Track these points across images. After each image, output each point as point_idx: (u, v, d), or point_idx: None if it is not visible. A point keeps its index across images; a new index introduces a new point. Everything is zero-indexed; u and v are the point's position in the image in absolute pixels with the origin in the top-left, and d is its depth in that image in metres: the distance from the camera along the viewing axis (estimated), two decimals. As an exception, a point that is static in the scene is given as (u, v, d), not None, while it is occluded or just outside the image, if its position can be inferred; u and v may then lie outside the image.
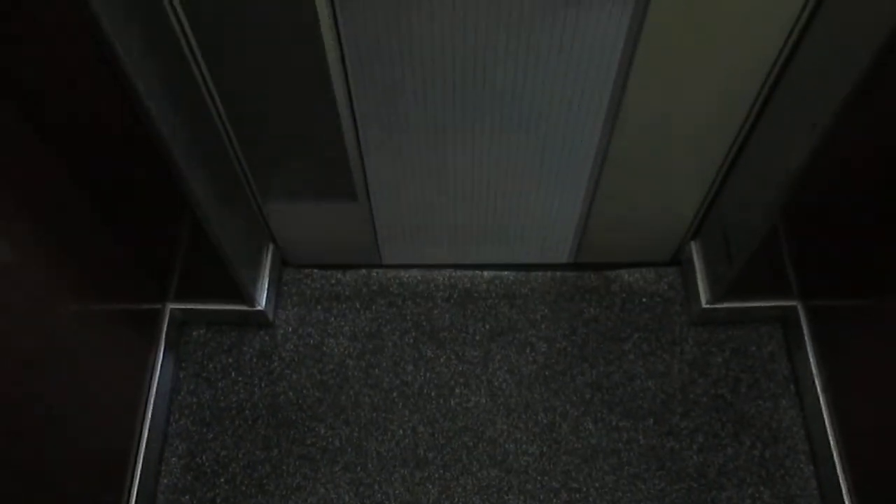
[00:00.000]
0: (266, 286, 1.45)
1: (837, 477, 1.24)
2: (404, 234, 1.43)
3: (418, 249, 1.48)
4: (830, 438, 1.27)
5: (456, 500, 1.30)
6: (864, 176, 1.09)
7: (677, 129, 1.16)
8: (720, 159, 1.25)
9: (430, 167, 1.26)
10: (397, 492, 1.31)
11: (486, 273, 1.52)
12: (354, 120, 1.15)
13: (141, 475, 1.26)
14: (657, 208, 1.37)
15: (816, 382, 1.32)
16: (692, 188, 1.33)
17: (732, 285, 1.36)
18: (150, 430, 1.31)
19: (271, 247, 1.49)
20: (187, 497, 1.31)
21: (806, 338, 1.36)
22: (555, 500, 1.30)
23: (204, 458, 1.34)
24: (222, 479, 1.32)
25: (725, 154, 1.24)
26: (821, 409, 1.30)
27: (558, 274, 1.52)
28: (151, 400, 1.33)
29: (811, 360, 1.34)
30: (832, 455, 1.26)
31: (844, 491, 1.23)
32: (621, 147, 1.19)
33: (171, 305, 1.42)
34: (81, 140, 1.02)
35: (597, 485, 1.31)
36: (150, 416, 1.32)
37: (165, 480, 1.32)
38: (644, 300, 1.48)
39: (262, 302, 1.43)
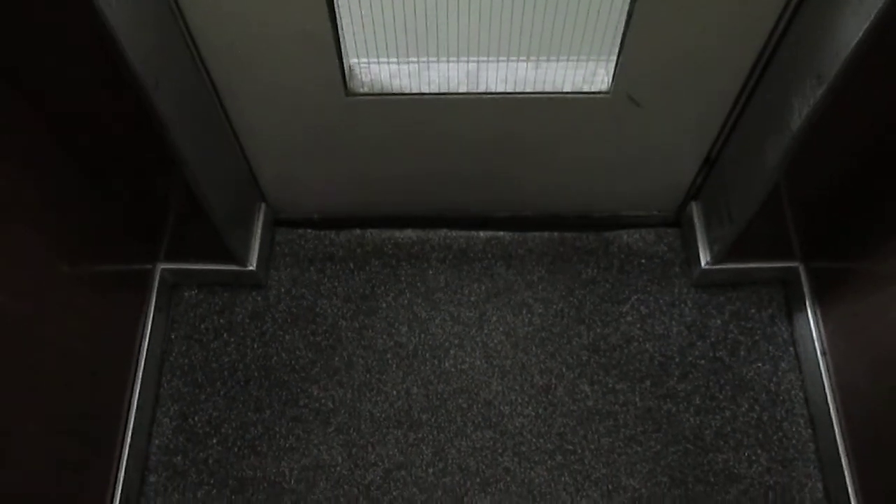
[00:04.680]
0: (258, 246, 1.42)
1: (836, 440, 1.23)
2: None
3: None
4: (829, 402, 1.25)
5: (450, 461, 1.29)
6: (870, 136, 1.05)
7: (682, 70, 1.12)
8: (724, 114, 1.22)
9: (424, 124, 1.22)
10: (391, 453, 1.30)
11: (482, 233, 1.49)
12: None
13: (132, 436, 1.26)
14: (659, 159, 1.33)
15: (816, 345, 1.30)
16: (694, 143, 1.29)
17: (733, 246, 1.33)
18: (141, 392, 1.29)
19: (263, 206, 1.46)
20: (179, 458, 1.30)
21: (807, 300, 1.34)
22: (549, 462, 1.29)
23: (196, 419, 1.33)
24: (214, 441, 1.31)
25: (729, 110, 1.20)
26: (820, 373, 1.28)
27: (556, 234, 1.49)
28: (142, 361, 1.31)
29: (811, 322, 1.32)
30: (831, 418, 1.24)
31: (842, 454, 1.21)
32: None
33: (162, 266, 1.40)
34: (67, 101, 0.99)
35: (592, 447, 1.30)
36: (141, 377, 1.30)
37: (157, 441, 1.31)
38: (643, 261, 1.46)
39: (253, 262, 1.41)
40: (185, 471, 1.29)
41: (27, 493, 1.01)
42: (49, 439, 1.06)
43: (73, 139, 1.06)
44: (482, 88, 1.19)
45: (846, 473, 1.20)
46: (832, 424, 1.24)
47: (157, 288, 1.38)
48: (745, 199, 1.24)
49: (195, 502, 1.27)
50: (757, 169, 1.18)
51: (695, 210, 1.42)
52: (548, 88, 1.18)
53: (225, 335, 1.40)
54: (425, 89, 1.19)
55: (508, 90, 1.19)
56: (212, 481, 1.28)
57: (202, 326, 1.41)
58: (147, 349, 1.33)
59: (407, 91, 1.19)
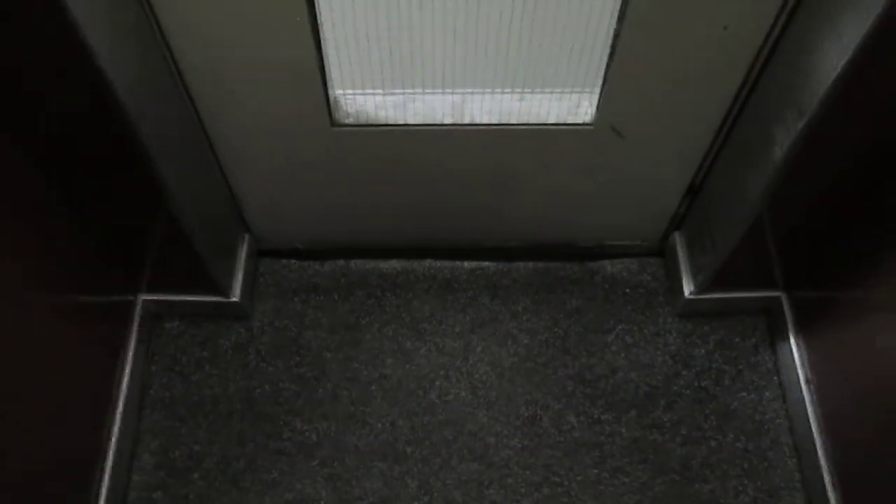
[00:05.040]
0: (241, 277, 1.41)
1: (820, 469, 1.23)
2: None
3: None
4: (814, 431, 1.26)
5: (435, 494, 1.27)
6: (851, 167, 1.07)
7: (665, 102, 1.13)
8: (706, 145, 1.23)
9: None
10: (375, 486, 1.28)
11: (466, 263, 1.49)
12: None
13: (112, 471, 1.23)
14: (643, 190, 1.34)
15: (800, 374, 1.31)
16: (677, 173, 1.30)
17: (716, 276, 1.34)
18: (121, 426, 1.27)
19: (247, 237, 1.45)
20: (160, 493, 1.27)
21: (790, 329, 1.35)
22: (536, 495, 1.28)
23: (177, 453, 1.31)
24: (196, 475, 1.29)
25: (712, 141, 1.22)
26: (804, 401, 1.28)
27: (540, 265, 1.49)
28: (122, 394, 1.29)
29: (795, 351, 1.33)
30: (815, 447, 1.25)
31: (828, 483, 1.21)
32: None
33: (143, 297, 1.39)
34: (47, 129, 0.99)
35: (579, 478, 1.29)
36: (120, 410, 1.28)
37: (137, 477, 1.29)
38: (627, 291, 1.46)
39: (237, 293, 1.39)
40: (165, 507, 1.26)
41: (2, 532, 0.98)
42: (25, 474, 1.04)
43: (53, 168, 1.05)
44: (467, 120, 1.20)
45: (832, 502, 1.20)
46: (817, 452, 1.24)
47: (138, 319, 1.36)
48: (728, 230, 1.25)
49: (175, 539, 1.24)
50: (739, 199, 1.19)
51: (678, 240, 1.43)
52: (532, 120, 1.19)
53: (207, 367, 1.38)
54: (410, 121, 1.19)
55: (493, 122, 1.19)
56: (193, 517, 1.26)
57: (184, 359, 1.39)
58: (127, 382, 1.31)
59: (392, 122, 1.20)
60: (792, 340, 1.34)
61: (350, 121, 1.20)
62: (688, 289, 1.40)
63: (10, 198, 0.98)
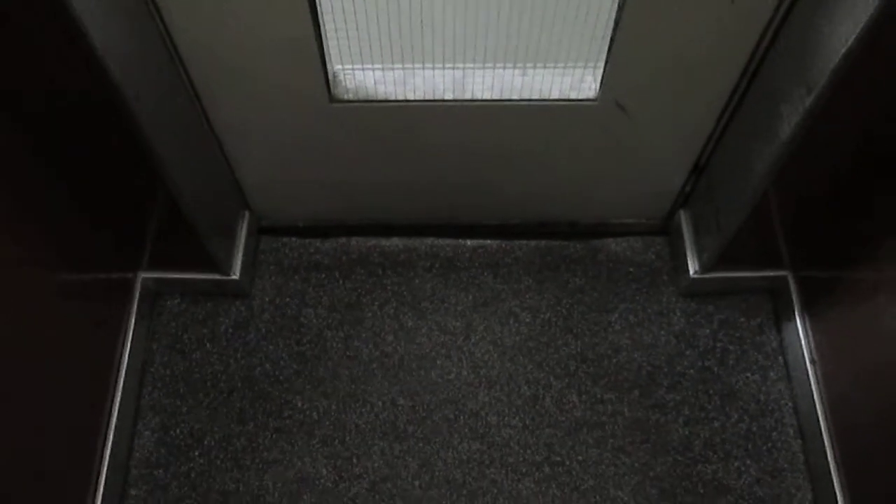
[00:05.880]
0: (241, 255, 1.40)
1: (825, 451, 1.22)
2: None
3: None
4: (818, 412, 1.24)
5: (436, 473, 1.27)
6: (858, 145, 1.04)
7: (670, 78, 1.11)
8: (712, 122, 1.21)
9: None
10: (376, 465, 1.28)
11: (468, 242, 1.47)
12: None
13: (112, 449, 1.23)
14: (647, 167, 1.32)
15: (805, 354, 1.29)
16: (683, 151, 1.28)
17: (721, 255, 1.32)
18: (121, 403, 1.27)
19: (247, 214, 1.44)
20: (161, 471, 1.27)
21: (795, 309, 1.33)
22: (537, 474, 1.27)
23: (178, 431, 1.31)
24: (196, 453, 1.29)
25: (718, 118, 1.19)
26: (809, 382, 1.27)
27: (543, 243, 1.47)
28: (123, 372, 1.29)
29: (800, 331, 1.31)
30: (820, 428, 1.23)
31: (832, 464, 1.20)
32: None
33: (144, 275, 1.38)
34: (44, 109, 0.97)
35: (580, 458, 1.28)
36: (121, 388, 1.28)
37: (138, 454, 1.29)
38: (631, 270, 1.44)
39: (237, 271, 1.38)
40: (166, 484, 1.26)
41: (1, 510, 0.98)
42: (26, 451, 1.04)
43: (52, 147, 1.04)
44: (468, 96, 1.17)
45: (836, 484, 1.19)
46: (821, 434, 1.23)
47: (139, 297, 1.36)
48: (734, 208, 1.23)
49: (176, 516, 1.24)
50: (745, 177, 1.17)
51: (683, 218, 1.41)
52: (535, 96, 1.17)
53: (208, 345, 1.38)
54: (410, 96, 1.17)
55: (495, 97, 1.17)
56: (193, 495, 1.26)
57: (184, 336, 1.39)
58: (128, 360, 1.30)
59: (392, 98, 1.17)
60: (797, 320, 1.32)
61: (349, 97, 1.18)
62: (693, 268, 1.38)
63: (8, 178, 0.97)
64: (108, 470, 1.21)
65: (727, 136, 1.21)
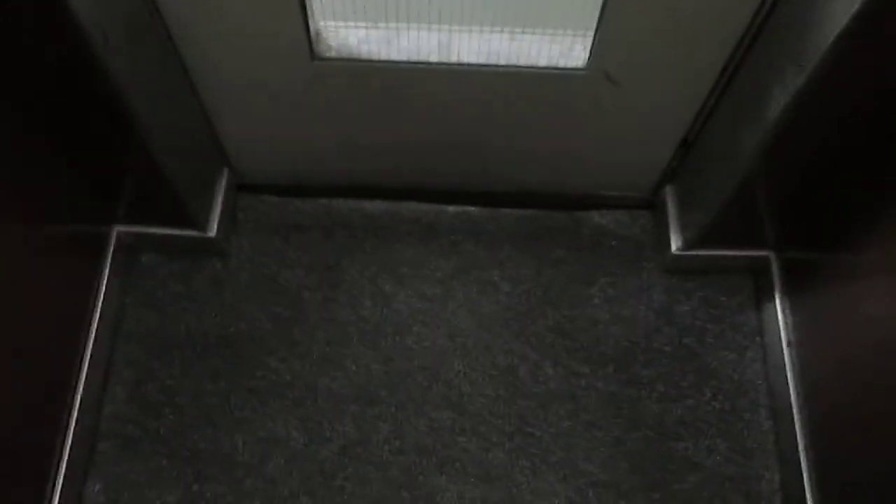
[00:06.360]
0: (219, 212, 1.38)
1: (795, 433, 1.22)
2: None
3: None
4: (791, 394, 1.24)
5: (407, 439, 1.27)
6: (849, 128, 1.02)
7: (662, 49, 1.08)
8: (703, 97, 1.18)
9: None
10: (347, 429, 1.27)
11: (451, 208, 1.45)
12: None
13: (81, 403, 1.22)
14: (635, 139, 1.29)
15: (783, 336, 1.28)
16: (672, 124, 1.25)
17: (705, 233, 1.30)
18: (92, 357, 1.25)
19: (226, 171, 1.41)
20: (131, 426, 1.27)
21: (776, 290, 1.32)
22: (508, 444, 1.27)
23: (150, 387, 1.30)
24: (168, 410, 1.28)
25: (709, 92, 1.17)
26: (784, 364, 1.26)
27: (527, 212, 1.45)
28: (95, 326, 1.27)
29: (779, 312, 1.30)
30: (792, 411, 1.23)
31: (801, 448, 1.20)
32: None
33: (119, 228, 1.35)
34: (10, 55, 0.94)
35: (552, 430, 1.28)
36: (93, 342, 1.26)
37: (109, 409, 1.28)
38: (614, 244, 1.43)
39: (214, 228, 1.36)
40: (136, 440, 1.26)
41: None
42: (-9, 405, 1.03)
43: (17, 94, 1.01)
44: (454, 59, 1.14)
45: (803, 467, 1.19)
46: (793, 417, 1.23)
47: (113, 251, 1.34)
48: (720, 185, 1.21)
49: (146, 472, 1.24)
50: (733, 154, 1.14)
51: (669, 193, 1.39)
52: (522, 62, 1.14)
53: (183, 302, 1.36)
54: (395, 57, 1.14)
55: (481, 62, 1.14)
56: (164, 451, 1.25)
57: (159, 293, 1.37)
58: (100, 314, 1.29)
59: (375, 58, 1.14)
60: (777, 302, 1.31)
61: (332, 54, 1.14)
62: (676, 244, 1.36)
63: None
64: (77, 423, 1.21)
65: (717, 111, 1.19)
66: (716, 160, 1.22)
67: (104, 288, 1.30)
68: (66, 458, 1.18)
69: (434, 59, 1.14)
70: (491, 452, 1.26)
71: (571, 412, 1.29)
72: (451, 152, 1.35)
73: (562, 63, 1.14)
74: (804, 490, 1.18)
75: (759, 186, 1.18)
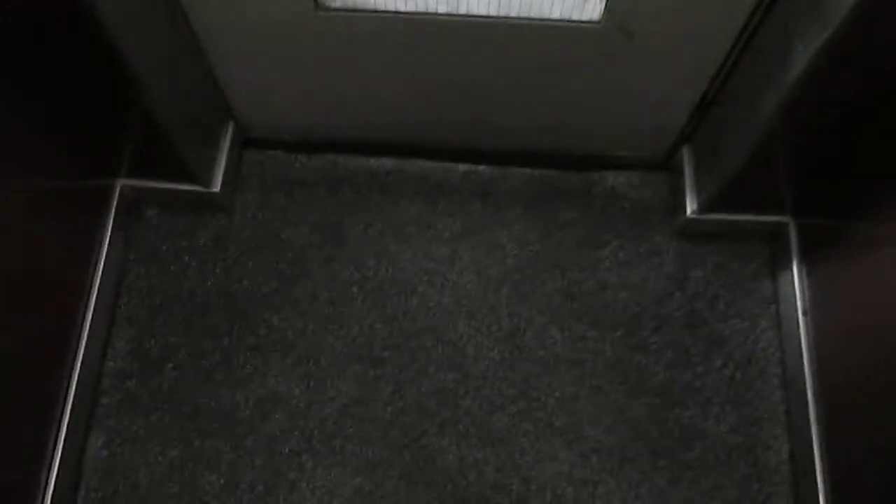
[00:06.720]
0: (223, 167, 1.35)
1: (807, 404, 1.19)
2: None
3: None
4: (805, 364, 1.21)
5: (409, 400, 1.26)
6: (872, 89, 0.97)
7: (680, 2, 1.03)
8: (722, 55, 1.12)
9: None
10: (349, 388, 1.26)
11: (459, 166, 1.42)
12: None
13: (84, 358, 1.22)
14: (651, 98, 1.24)
15: (798, 305, 1.24)
16: (689, 83, 1.20)
17: (721, 196, 1.26)
18: (94, 312, 1.25)
19: (231, 125, 1.38)
20: (132, 382, 1.27)
21: (793, 257, 1.27)
22: (511, 408, 1.25)
23: (152, 343, 1.29)
24: (170, 366, 1.28)
25: (728, 50, 1.11)
26: (799, 334, 1.23)
27: (537, 172, 1.41)
28: (98, 281, 1.26)
29: (796, 281, 1.26)
30: (805, 381, 1.20)
31: (812, 418, 1.17)
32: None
33: (122, 182, 1.33)
34: (12, 13, 0.91)
35: (556, 394, 1.26)
36: (95, 297, 1.25)
37: (111, 364, 1.28)
38: (626, 206, 1.39)
39: (218, 184, 1.34)
40: (137, 395, 1.26)
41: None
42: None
43: (15, 48, 0.98)
44: (463, 10, 1.10)
45: (814, 438, 1.17)
46: (805, 387, 1.20)
47: (116, 206, 1.32)
48: (738, 147, 1.16)
49: (147, 427, 1.24)
50: (752, 115, 1.09)
51: (685, 155, 1.35)
52: (534, 14, 1.09)
53: (186, 258, 1.35)
54: (401, 7, 1.10)
55: (491, 14, 1.09)
56: (165, 407, 1.25)
57: (162, 248, 1.36)
58: (103, 269, 1.28)
59: (381, 8, 1.10)
60: (794, 270, 1.27)
61: (336, 5, 1.10)
62: (690, 207, 1.32)
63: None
64: (79, 378, 1.20)
65: (737, 69, 1.13)
66: (734, 120, 1.17)
67: (107, 243, 1.29)
68: (67, 413, 1.18)
69: (442, 10, 1.10)
70: (494, 416, 1.25)
71: (577, 377, 1.27)
72: (458, 108, 1.31)
73: (575, 16, 1.09)
74: (813, 461, 1.16)
75: (779, 149, 1.13)
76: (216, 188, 1.34)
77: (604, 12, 1.07)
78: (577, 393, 1.26)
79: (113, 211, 1.31)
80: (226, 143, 1.37)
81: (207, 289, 1.33)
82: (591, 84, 1.22)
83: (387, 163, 1.42)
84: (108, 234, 1.30)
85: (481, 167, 1.42)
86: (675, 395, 1.26)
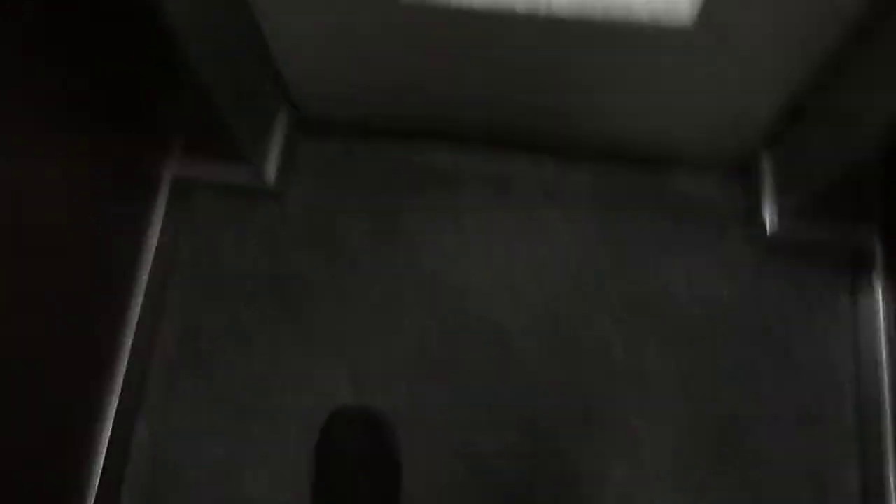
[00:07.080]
0: (278, 154, 1.30)
1: (881, 434, 1.12)
2: None
3: None
4: (884, 392, 1.14)
5: (461, 403, 1.21)
6: None
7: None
8: (825, 54, 1.02)
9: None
10: (398, 389, 1.22)
11: (524, 160, 1.34)
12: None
13: (133, 348, 1.19)
14: (737, 101, 1.15)
15: (882, 328, 1.17)
16: (782, 86, 1.11)
17: (804, 208, 1.18)
18: (144, 300, 1.22)
19: (286, 113, 1.32)
20: (180, 373, 1.24)
21: (879, 278, 1.19)
22: (570, 418, 1.20)
23: (201, 333, 1.26)
24: (217, 357, 1.25)
25: (831, 50, 1.02)
26: (880, 360, 1.16)
27: (605, 170, 1.34)
28: (147, 268, 1.23)
29: (880, 303, 1.18)
30: (881, 410, 1.13)
31: (888, 447, 1.11)
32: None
33: (173, 171, 1.29)
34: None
35: (618, 406, 1.21)
36: (145, 284, 1.22)
37: (158, 352, 1.25)
38: (699, 212, 1.31)
39: (272, 171, 1.29)
40: (184, 388, 1.23)
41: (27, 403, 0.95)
42: (42, 361, 0.99)
43: (63, 30, 0.92)
44: (543, 8, 1.01)
45: (889, 469, 1.11)
46: (880, 417, 1.13)
47: (167, 193, 1.27)
48: (830, 159, 1.08)
49: (194, 421, 1.22)
50: (852, 126, 1.01)
51: (767, 162, 1.26)
52: (621, 14, 1.00)
53: (236, 247, 1.31)
54: (477, 3, 1.02)
55: (574, 13, 1.01)
56: (211, 401, 1.23)
57: (213, 236, 1.32)
58: (153, 256, 1.24)
59: (458, 5, 1.02)
60: (879, 290, 1.19)
61: (412, -3, 1.03)
62: (769, 218, 1.24)
63: (27, 72, 0.87)
64: (127, 369, 1.18)
65: (843, 74, 1.04)
66: (829, 129, 1.08)
67: (158, 229, 1.25)
68: (115, 405, 1.16)
69: (522, 9, 1.01)
70: (552, 425, 1.20)
71: (640, 389, 1.22)
72: (529, 103, 1.23)
73: (665, 16, 1.00)
74: (884, 493, 1.10)
75: (875, 164, 1.05)
76: (269, 175, 1.28)
77: (697, 11, 0.98)
78: (639, 406, 1.21)
79: (164, 198, 1.27)
80: (281, 130, 1.31)
81: (256, 278, 1.29)
82: (675, 85, 1.13)
83: (446, 155, 1.36)
84: (159, 221, 1.26)
85: (546, 162, 1.34)
86: (741, 412, 1.20)
